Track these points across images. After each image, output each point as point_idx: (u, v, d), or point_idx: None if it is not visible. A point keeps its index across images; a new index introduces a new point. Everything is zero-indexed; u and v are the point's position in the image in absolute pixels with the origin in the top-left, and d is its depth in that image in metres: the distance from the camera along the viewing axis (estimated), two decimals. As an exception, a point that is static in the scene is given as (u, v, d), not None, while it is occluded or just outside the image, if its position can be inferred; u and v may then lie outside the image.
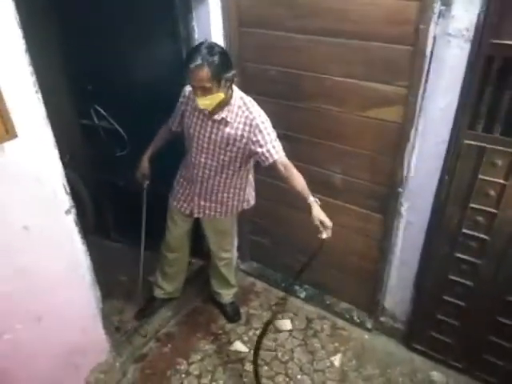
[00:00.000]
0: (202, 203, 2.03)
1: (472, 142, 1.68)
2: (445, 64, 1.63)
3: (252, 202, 2.14)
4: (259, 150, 1.75)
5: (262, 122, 1.75)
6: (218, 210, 2.05)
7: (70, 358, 1.86)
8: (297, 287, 2.60)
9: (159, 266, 2.36)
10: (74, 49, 2.33)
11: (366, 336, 2.36)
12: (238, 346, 2.27)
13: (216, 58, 1.61)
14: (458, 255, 1.91)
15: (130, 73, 2.24)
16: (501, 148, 1.63)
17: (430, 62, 1.66)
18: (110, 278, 2.52)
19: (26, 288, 1.58)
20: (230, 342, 2.30)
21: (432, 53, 1.64)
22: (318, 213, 1.64)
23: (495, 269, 1.84)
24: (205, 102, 1.69)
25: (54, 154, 1.52)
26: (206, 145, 1.86)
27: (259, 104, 1.82)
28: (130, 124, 2.45)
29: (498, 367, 2.01)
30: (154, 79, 2.19)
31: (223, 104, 1.75)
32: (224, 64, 1.64)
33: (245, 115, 1.76)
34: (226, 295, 2.46)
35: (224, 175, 1.94)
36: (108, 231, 2.98)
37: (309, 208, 1.66)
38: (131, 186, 2.25)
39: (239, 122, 1.77)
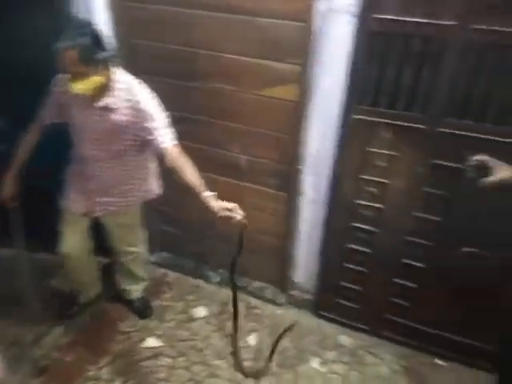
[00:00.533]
0: (103, 199, 1.86)
1: (361, 117, 1.76)
2: (334, 40, 1.66)
3: (157, 191, 2.01)
4: (149, 137, 1.64)
5: (151, 107, 1.63)
6: (120, 204, 1.89)
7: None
8: (210, 273, 2.56)
9: (65, 272, 2.14)
10: None
11: (279, 311, 2.40)
12: (151, 341, 2.16)
13: (86, 39, 1.45)
14: (357, 225, 2.02)
15: (6, 57, 1.95)
16: (387, 121, 1.73)
17: (319, 39, 1.68)
18: (6, 289, 2.26)
19: None
20: (142, 339, 2.18)
21: (321, 29, 1.66)
22: (215, 203, 1.54)
23: (391, 234, 1.98)
24: (78, 87, 1.52)
25: None
26: (93, 135, 1.69)
27: (151, 85, 1.69)
28: (12, 114, 2.13)
29: (399, 325, 2.19)
30: (35, 63, 1.90)
31: (105, 89, 1.60)
32: (96, 45, 1.48)
33: (131, 100, 1.63)
34: (135, 291, 2.31)
35: (122, 166, 1.79)
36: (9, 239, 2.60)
37: (206, 203, 1.54)
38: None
39: (126, 108, 1.63)
